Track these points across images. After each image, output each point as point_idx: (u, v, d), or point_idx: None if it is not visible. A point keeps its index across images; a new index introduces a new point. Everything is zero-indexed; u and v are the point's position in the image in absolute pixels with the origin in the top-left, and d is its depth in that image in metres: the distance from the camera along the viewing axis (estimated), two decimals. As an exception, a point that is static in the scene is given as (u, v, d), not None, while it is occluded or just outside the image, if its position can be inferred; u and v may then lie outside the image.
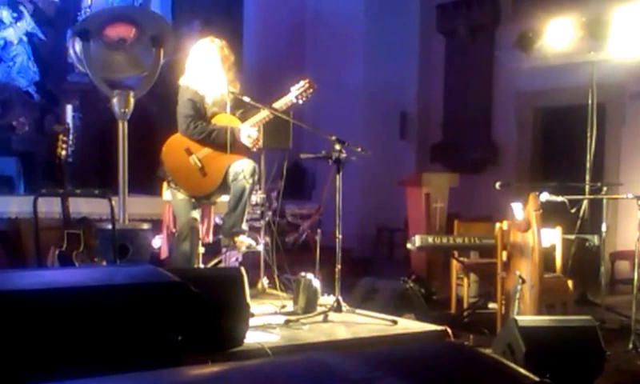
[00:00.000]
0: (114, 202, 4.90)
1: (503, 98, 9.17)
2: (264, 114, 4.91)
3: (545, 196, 5.01)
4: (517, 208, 4.94)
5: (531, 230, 4.85)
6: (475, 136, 9.38)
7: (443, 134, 9.77)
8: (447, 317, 5.56)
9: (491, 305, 5.64)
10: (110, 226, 4.86)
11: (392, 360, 1.63)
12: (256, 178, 4.93)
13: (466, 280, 5.93)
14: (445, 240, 5.80)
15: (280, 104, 4.91)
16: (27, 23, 9.60)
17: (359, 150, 4.75)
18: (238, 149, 4.88)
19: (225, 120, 4.95)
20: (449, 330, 4.29)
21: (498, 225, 5.19)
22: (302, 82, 4.91)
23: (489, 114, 9.35)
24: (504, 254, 5.12)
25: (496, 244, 5.20)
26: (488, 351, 3.74)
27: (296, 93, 4.89)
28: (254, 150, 4.99)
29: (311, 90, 4.91)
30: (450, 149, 9.57)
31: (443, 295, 6.30)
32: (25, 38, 9.59)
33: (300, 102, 4.92)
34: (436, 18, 9.67)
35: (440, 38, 9.75)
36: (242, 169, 4.80)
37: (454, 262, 6.03)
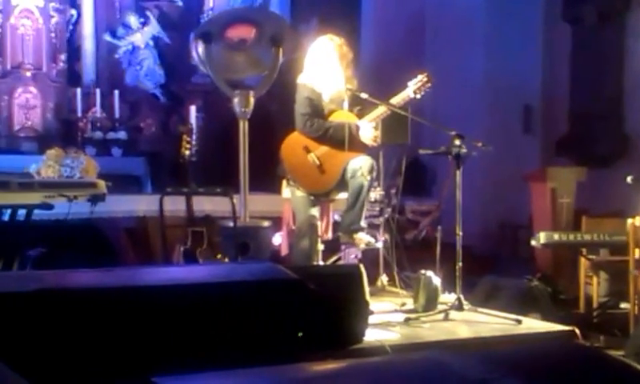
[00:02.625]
0: (235, 200, 5.00)
1: (636, 88, 8.73)
2: (381, 109, 4.89)
3: (681, 190, 4.75)
4: (650, 203, 4.70)
5: (666, 225, 4.61)
6: (605, 128, 8.98)
7: (570, 127, 9.41)
8: (575, 317, 5.35)
9: (623, 305, 5.39)
10: (231, 224, 4.96)
11: (512, 360, 1.56)
12: (374, 174, 4.91)
13: (595, 278, 5.70)
14: (572, 237, 5.59)
15: (397, 99, 4.88)
16: (153, 28, 9.97)
17: (480, 145, 4.66)
18: (356, 145, 4.87)
19: (342, 117, 4.95)
20: (577, 331, 4.13)
21: (630, 221, 4.95)
22: (419, 77, 4.85)
23: (620, 105, 8.92)
24: (637, 252, 4.89)
25: (628, 241, 4.96)
26: (619, 354, 3.58)
27: (413, 87, 4.85)
28: (374, 144, 4.97)
29: (429, 84, 4.85)
30: (577, 142, 9.21)
31: (571, 294, 6.07)
32: (151, 43, 9.98)
33: (418, 96, 4.87)
34: (562, 5, 9.34)
35: (566, 27, 9.40)
36: (359, 166, 4.79)
37: (583, 260, 5.80)
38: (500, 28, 9.23)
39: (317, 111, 4.95)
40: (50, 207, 4.90)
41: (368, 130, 4.87)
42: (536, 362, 1.57)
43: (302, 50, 5.25)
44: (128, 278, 3.44)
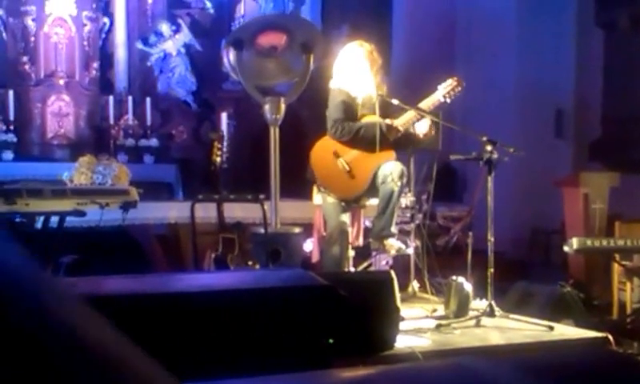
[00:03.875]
0: (266, 207, 5.01)
1: (670, 92, 8.61)
2: (411, 114, 4.87)
3: None
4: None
5: (702, 231, 4.53)
6: (638, 132, 8.87)
7: (603, 132, 9.31)
8: (608, 323, 5.28)
9: (658, 311, 5.32)
10: (262, 231, 4.97)
11: (545, 367, 1.54)
12: (404, 180, 4.90)
13: (628, 284, 5.63)
14: (605, 242, 5.52)
15: (427, 103, 4.86)
16: (185, 35, 10.05)
17: (511, 150, 4.62)
18: (387, 146, 4.86)
19: (374, 120, 4.95)
20: (610, 338, 4.08)
21: (664, 226, 4.89)
22: (449, 81, 4.84)
23: (653, 109, 8.81)
24: (672, 258, 4.82)
25: (662, 247, 4.90)
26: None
27: (443, 91, 4.83)
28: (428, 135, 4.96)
29: (459, 89, 4.83)
30: (610, 147, 9.10)
31: (604, 301, 6.00)
32: (183, 50, 10.05)
33: (447, 101, 4.85)
34: (594, 10, 9.24)
35: (598, 32, 9.31)
36: (390, 171, 4.78)
37: (616, 266, 5.73)
38: (532, 32, 9.17)
39: (351, 115, 4.95)
40: (82, 214, 4.95)
41: (424, 125, 4.87)
42: (568, 369, 1.55)
43: (332, 55, 5.26)
44: (159, 284, 3.46)
